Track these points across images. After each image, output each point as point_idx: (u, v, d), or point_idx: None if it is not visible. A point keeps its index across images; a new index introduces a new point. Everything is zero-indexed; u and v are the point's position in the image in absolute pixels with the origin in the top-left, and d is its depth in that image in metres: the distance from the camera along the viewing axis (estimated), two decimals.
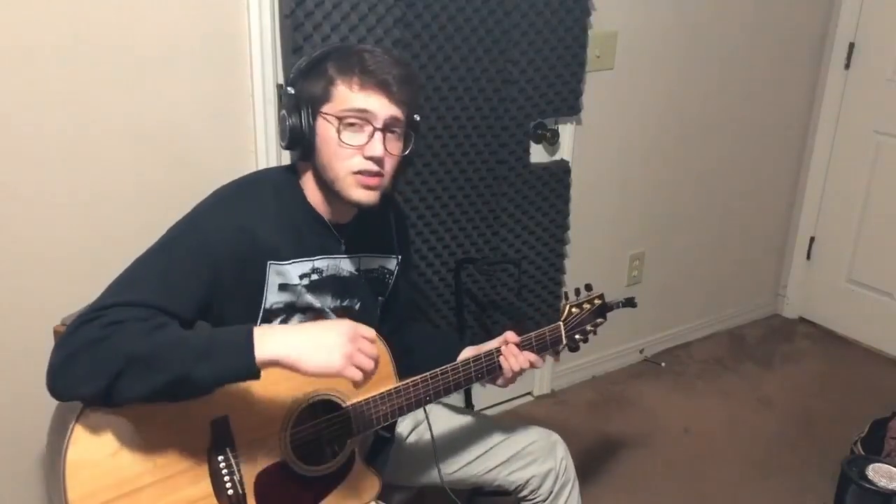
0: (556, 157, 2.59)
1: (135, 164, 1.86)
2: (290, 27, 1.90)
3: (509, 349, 1.54)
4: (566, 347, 1.64)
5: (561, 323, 1.62)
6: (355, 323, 1.25)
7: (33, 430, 1.84)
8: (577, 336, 1.64)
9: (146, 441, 1.22)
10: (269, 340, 1.17)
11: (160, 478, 1.24)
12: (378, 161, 1.35)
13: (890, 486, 1.95)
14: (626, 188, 2.86)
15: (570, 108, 2.50)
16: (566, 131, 2.57)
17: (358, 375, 1.21)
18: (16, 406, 1.85)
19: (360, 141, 1.34)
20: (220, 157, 1.96)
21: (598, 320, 1.67)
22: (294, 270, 1.41)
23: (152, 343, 1.14)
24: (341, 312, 1.50)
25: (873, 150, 3.12)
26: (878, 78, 3.05)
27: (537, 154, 2.54)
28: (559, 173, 2.56)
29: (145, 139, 1.86)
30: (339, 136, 1.33)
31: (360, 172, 1.35)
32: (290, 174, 1.45)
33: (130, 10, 1.76)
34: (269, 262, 1.37)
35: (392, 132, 1.37)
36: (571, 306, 1.64)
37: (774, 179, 3.32)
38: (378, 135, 1.34)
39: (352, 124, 1.34)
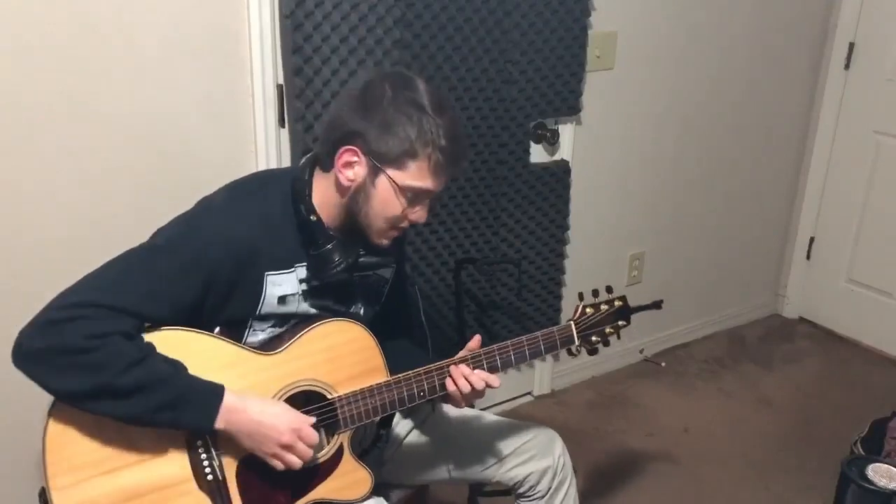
0: (556, 157, 2.60)
1: (135, 164, 1.87)
2: (290, 27, 1.90)
3: (458, 370, 1.44)
4: (583, 349, 1.59)
5: (572, 322, 1.57)
6: (301, 425, 1.31)
7: (35, 429, 1.85)
8: (593, 338, 1.58)
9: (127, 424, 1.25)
10: (228, 419, 1.27)
11: (140, 459, 1.26)
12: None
13: (890, 486, 1.95)
14: (626, 188, 2.86)
15: (570, 108, 2.51)
16: (566, 131, 2.57)
17: (279, 466, 1.32)
18: (17, 405, 1.85)
19: (417, 207, 1.39)
20: (220, 157, 1.97)
21: (620, 323, 1.61)
22: (296, 276, 1.40)
23: (130, 380, 1.20)
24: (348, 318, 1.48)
25: (873, 150, 3.12)
26: (878, 78, 3.05)
27: (537, 154, 2.54)
28: (559, 173, 2.57)
29: (146, 139, 1.86)
30: (405, 209, 1.37)
31: (397, 228, 1.41)
32: (296, 178, 1.42)
33: (130, 9, 1.76)
34: (265, 274, 1.37)
35: None
36: (586, 306, 1.58)
37: (774, 179, 3.32)
38: (428, 203, 1.40)
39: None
